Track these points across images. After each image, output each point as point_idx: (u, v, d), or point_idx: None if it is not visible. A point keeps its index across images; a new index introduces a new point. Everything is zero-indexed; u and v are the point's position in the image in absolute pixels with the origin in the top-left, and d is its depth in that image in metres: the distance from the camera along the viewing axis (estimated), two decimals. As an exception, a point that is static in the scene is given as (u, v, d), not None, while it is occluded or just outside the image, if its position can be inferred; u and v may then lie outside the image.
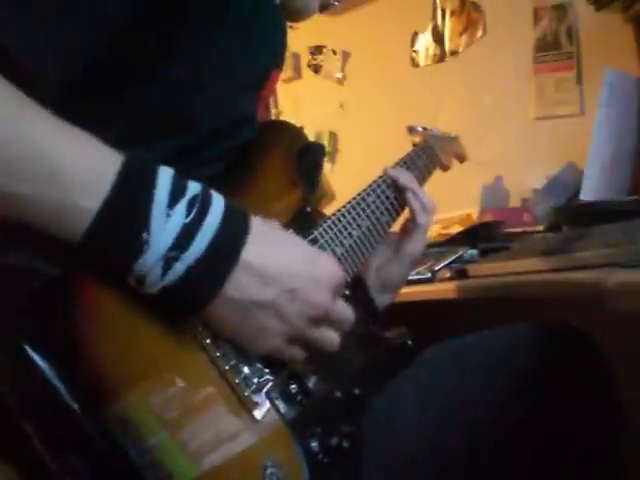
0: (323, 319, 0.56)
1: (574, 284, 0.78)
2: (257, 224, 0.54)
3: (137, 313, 0.50)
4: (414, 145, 0.99)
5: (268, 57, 0.70)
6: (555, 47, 1.75)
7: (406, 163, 0.89)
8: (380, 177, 0.83)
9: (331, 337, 0.57)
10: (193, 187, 0.50)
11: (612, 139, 1.40)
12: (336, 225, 0.72)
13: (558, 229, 1.33)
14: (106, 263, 0.48)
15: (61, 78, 0.53)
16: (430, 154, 0.96)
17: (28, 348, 0.46)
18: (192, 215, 0.49)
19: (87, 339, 0.48)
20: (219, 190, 0.53)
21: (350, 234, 0.73)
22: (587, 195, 1.36)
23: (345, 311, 0.58)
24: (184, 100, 0.61)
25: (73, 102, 0.52)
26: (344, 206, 0.75)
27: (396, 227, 0.86)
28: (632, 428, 0.72)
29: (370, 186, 0.81)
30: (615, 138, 1.40)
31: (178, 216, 0.48)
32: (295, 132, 0.76)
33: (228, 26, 0.62)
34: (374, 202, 0.80)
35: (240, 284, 0.51)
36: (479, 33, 1.91)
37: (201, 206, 0.50)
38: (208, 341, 0.53)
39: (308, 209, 0.69)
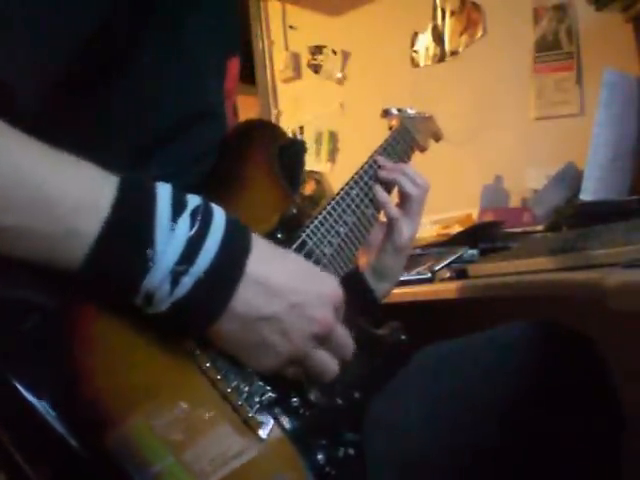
0: (326, 339, 0.55)
1: (574, 284, 0.77)
2: (257, 238, 0.53)
3: (135, 341, 0.49)
4: (390, 129, 0.96)
5: (224, 44, 0.68)
6: (555, 47, 1.75)
7: (386, 150, 0.88)
8: (361, 168, 0.82)
9: (331, 364, 0.56)
10: (193, 200, 0.50)
11: (612, 139, 1.40)
12: (323, 225, 0.70)
13: (558, 229, 1.33)
14: (111, 286, 0.47)
15: (31, 93, 0.51)
16: (407, 137, 0.94)
17: (20, 386, 0.44)
18: (196, 227, 0.48)
19: (85, 370, 0.46)
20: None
21: (337, 232, 0.72)
22: (587, 195, 1.36)
23: (346, 336, 0.57)
24: (151, 90, 0.59)
25: (43, 114, 0.50)
26: (329, 203, 0.74)
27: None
28: (632, 428, 0.72)
29: (353, 178, 0.80)
30: (615, 138, 1.40)
31: (182, 229, 0.47)
32: (273, 130, 0.74)
33: (192, 16, 0.60)
34: (357, 195, 0.78)
35: (246, 297, 0.50)
36: (479, 33, 1.91)
37: (203, 218, 0.49)
38: (208, 365, 0.52)
39: (294, 210, 0.67)
